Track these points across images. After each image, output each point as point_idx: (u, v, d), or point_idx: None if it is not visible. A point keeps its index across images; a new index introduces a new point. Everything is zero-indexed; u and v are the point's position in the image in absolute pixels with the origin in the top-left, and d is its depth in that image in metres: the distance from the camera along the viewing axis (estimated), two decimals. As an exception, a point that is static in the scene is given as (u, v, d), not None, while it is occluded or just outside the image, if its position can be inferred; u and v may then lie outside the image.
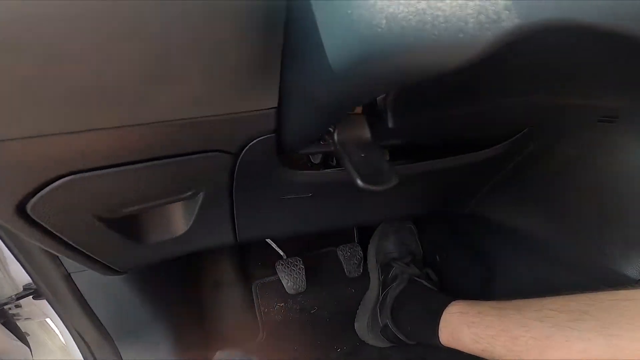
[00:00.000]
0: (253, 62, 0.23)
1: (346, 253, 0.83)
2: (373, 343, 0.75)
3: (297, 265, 0.78)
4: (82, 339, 0.56)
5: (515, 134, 0.47)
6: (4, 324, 0.61)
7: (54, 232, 0.29)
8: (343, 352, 0.76)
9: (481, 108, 0.30)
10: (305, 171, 0.36)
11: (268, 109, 0.27)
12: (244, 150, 0.31)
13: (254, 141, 0.30)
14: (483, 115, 0.36)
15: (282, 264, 0.77)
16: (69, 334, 0.57)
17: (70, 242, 0.31)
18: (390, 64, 0.17)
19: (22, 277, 0.57)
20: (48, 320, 0.69)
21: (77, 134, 0.23)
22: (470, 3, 0.14)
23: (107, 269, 0.41)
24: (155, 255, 0.41)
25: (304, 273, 0.77)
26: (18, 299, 0.57)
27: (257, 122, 0.28)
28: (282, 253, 0.80)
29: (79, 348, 0.58)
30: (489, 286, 0.70)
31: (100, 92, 0.21)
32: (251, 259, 0.82)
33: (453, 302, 0.61)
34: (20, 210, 0.27)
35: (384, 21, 0.15)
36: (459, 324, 0.56)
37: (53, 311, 0.55)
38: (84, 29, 0.18)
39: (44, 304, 0.57)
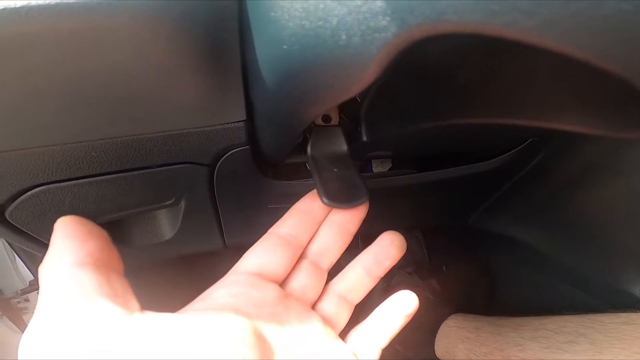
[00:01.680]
0: (215, 80, 0.23)
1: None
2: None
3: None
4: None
5: (517, 145, 0.46)
6: (9, 317, 0.65)
7: (34, 235, 0.30)
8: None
9: (462, 123, 0.29)
10: (283, 181, 0.36)
11: (236, 122, 0.27)
12: (220, 161, 0.31)
13: (229, 153, 0.30)
14: (471, 128, 0.34)
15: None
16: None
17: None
18: (302, 83, 0.16)
19: (29, 272, 0.60)
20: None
21: (51, 147, 0.24)
22: (353, 6, 0.12)
23: None
24: (144, 257, 0.42)
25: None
26: (23, 293, 0.60)
27: (228, 135, 0.28)
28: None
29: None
30: (492, 299, 0.68)
31: (75, 109, 0.22)
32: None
33: (452, 316, 0.60)
34: (-1, 216, 0.28)
35: (292, 38, 0.14)
36: (454, 339, 0.55)
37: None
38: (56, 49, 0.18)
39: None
